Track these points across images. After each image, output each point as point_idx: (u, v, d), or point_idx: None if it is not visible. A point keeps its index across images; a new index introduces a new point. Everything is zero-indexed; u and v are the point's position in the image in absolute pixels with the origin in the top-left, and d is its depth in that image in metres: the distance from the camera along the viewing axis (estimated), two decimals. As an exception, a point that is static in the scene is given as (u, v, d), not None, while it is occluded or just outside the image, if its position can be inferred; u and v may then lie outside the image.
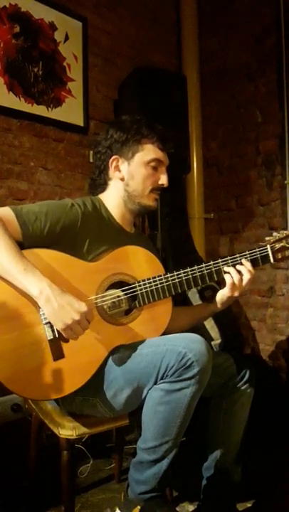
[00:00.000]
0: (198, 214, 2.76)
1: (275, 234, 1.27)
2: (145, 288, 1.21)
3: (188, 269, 1.23)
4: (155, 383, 1.10)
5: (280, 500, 1.52)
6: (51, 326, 1.10)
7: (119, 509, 1.26)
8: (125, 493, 1.25)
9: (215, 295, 1.36)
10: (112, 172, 1.35)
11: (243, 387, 1.32)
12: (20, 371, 1.09)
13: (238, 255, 1.25)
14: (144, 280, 1.22)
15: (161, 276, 1.22)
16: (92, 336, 1.14)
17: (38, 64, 2.15)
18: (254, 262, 1.25)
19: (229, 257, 1.25)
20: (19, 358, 1.09)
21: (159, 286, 1.22)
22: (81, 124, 2.30)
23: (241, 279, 1.24)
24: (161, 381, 1.09)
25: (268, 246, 1.25)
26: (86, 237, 1.24)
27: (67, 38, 2.27)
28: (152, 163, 1.33)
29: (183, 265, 1.25)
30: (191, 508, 1.50)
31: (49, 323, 1.10)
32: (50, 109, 2.18)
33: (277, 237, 1.25)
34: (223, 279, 1.25)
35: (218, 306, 1.33)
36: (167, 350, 1.09)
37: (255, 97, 2.51)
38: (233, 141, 2.66)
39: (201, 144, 2.78)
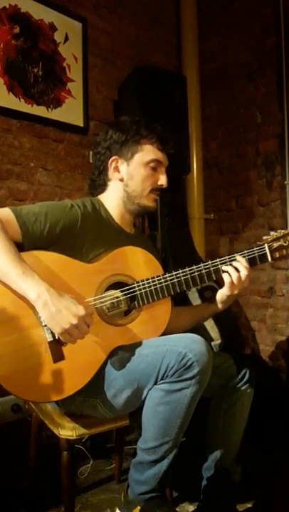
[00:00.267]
0: (198, 214, 2.77)
1: (272, 233, 1.27)
2: (144, 288, 1.21)
3: (187, 269, 1.24)
4: (155, 383, 1.10)
5: (280, 500, 1.52)
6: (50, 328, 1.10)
7: (119, 509, 1.27)
8: (125, 494, 1.25)
9: (215, 295, 1.36)
10: (111, 173, 1.35)
11: (243, 388, 1.32)
12: (20, 373, 1.09)
13: (236, 254, 1.25)
14: (142, 281, 1.22)
15: (160, 276, 1.23)
16: (91, 337, 1.14)
17: (38, 65, 2.15)
18: (252, 261, 1.25)
19: (227, 257, 1.25)
20: (19, 360, 1.09)
21: (158, 286, 1.22)
22: (81, 124, 2.30)
23: (239, 277, 1.24)
24: (162, 381, 1.09)
25: (266, 245, 1.25)
26: (85, 238, 1.24)
27: (67, 38, 2.27)
28: (151, 164, 1.33)
29: (183, 266, 1.25)
30: (191, 508, 1.50)
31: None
32: (50, 109, 2.18)
33: (275, 236, 1.26)
34: (222, 279, 1.25)
35: (219, 305, 1.33)
36: (167, 350, 1.09)
37: (255, 97, 2.51)
38: (233, 141, 2.66)
39: (201, 144, 2.78)
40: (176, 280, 1.23)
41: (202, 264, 1.24)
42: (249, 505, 1.51)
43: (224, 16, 2.69)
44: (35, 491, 1.54)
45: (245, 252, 1.25)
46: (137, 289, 1.21)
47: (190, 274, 1.23)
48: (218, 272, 1.25)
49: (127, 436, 1.84)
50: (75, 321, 1.05)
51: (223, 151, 2.74)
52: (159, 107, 2.14)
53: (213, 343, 2.10)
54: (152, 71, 2.36)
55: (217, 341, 2.11)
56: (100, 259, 1.23)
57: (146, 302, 1.22)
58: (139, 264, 1.26)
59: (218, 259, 1.25)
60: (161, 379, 1.09)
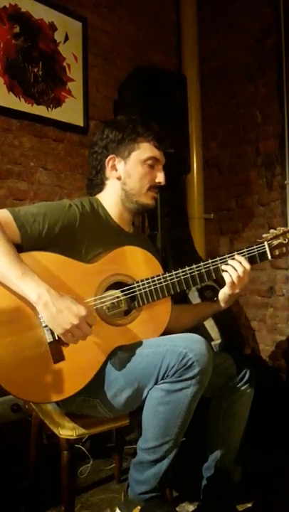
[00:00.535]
0: (198, 214, 2.76)
1: (272, 231, 1.27)
2: (144, 288, 1.21)
3: (187, 268, 1.24)
4: (156, 383, 1.10)
5: (280, 500, 1.52)
6: (51, 329, 1.10)
7: (119, 509, 1.27)
8: (125, 493, 1.25)
9: (215, 295, 1.36)
10: (108, 171, 1.35)
11: (243, 388, 1.32)
12: (20, 374, 1.09)
13: (235, 253, 1.25)
14: (142, 280, 1.22)
15: (159, 276, 1.23)
16: (91, 338, 1.13)
17: (38, 64, 2.15)
18: (252, 260, 1.25)
19: (227, 255, 1.25)
20: (19, 361, 1.09)
21: (157, 286, 1.22)
22: (81, 124, 2.30)
23: (239, 276, 1.23)
24: (162, 381, 1.09)
25: (266, 243, 1.25)
26: (84, 238, 1.24)
27: (67, 38, 2.27)
28: (149, 162, 1.33)
29: (183, 265, 1.25)
30: (191, 508, 1.50)
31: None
32: (50, 109, 2.18)
33: (274, 234, 1.25)
34: (222, 278, 1.25)
35: (222, 304, 1.34)
36: (168, 350, 1.09)
37: (255, 97, 2.51)
38: (233, 141, 2.66)
39: (201, 144, 2.78)
40: (176, 280, 1.23)
41: (202, 264, 1.24)
42: (249, 505, 1.51)
43: (224, 16, 2.69)
44: (35, 491, 1.54)
45: (245, 250, 1.25)
46: (136, 289, 1.21)
47: (190, 273, 1.23)
48: (217, 271, 1.25)
49: (127, 436, 1.84)
50: (76, 321, 1.05)
51: (223, 150, 2.74)
52: (159, 107, 2.14)
53: (213, 343, 2.10)
54: (152, 71, 2.36)
55: (217, 341, 2.11)
56: (99, 259, 1.23)
57: (146, 302, 1.22)
58: (138, 263, 1.26)
59: (217, 258, 1.25)
60: (162, 379, 1.09)
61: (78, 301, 1.09)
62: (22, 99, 2.07)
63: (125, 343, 1.20)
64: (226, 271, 1.24)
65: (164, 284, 1.22)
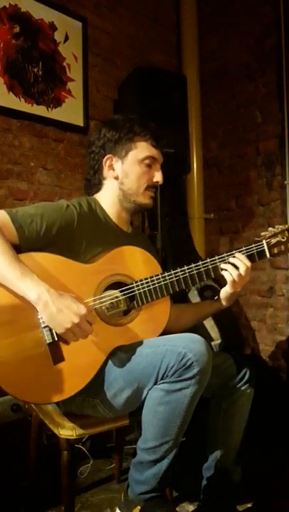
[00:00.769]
0: (198, 214, 2.77)
1: (270, 229, 1.26)
2: (143, 288, 1.21)
3: (186, 267, 1.23)
4: (155, 383, 1.10)
5: (280, 500, 1.52)
6: (50, 330, 1.10)
7: (119, 509, 1.27)
8: (125, 493, 1.25)
9: (215, 295, 1.36)
10: (106, 171, 1.35)
11: (243, 388, 1.32)
12: (20, 376, 1.09)
13: (234, 251, 1.25)
14: (141, 280, 1.22)
15: (158, 275, 1.22)
16: (91, 338, 1.13)
17: (38, 64, 2.15)
18: (251, 258, 1.25)
19: (225, 254, 1.25)
20: (19, 363, 1.09)
21: (156, 285, 1.22)
22: (81, 124, 2.30)
23: (239, 274, 1.23)
24: (161, 381, 1.09)
25: (264, 241, 1.25)
26: (82, 238, 1.24)
27: (67, 38, 2.27)
28: (146, 161, 1.32)
29: (182, 265, 1.25)
30: (191, 508, 1.50)
31: (48, 326, 1.10)
32: (50, 109, 2.18)
33: (272, 232, 1.25)
34: (222, 276, 1.25)
35: (223, 303, 1.33)
36: (167, 350, 1.09)
37: (255, 97, 2.51)
38: (233, 141, 2.66)
39: (201, 144, 2.78)
40: (174, 279, 1.23)
41: (200, 263, 1.24)
42: (249, 505, 1.51)
43: (224, 16, 2.69)
44: (35, 491, 1.54)
45: (244, 248, 1.25)
46: (135, 288, 1.21)
47: (188, 272, 1.23)
48: (216, 270, 1.24)
49: (127, 436, 1.84)
50: (76, 320, 1.05)
51: (223, 150, 2.74)
52: (159, 107, 2.14)
53: (213, 343, 2.10)
54: (152, 71, 2.36)
55: (217, 341, 2.11)
56: (98, 259, 1.23)
57: (145, 302, 1.22)
58: (137, 263, 1.26)
59: (216, 257, 1.25)
60: (161, 379, 1.09)
61: (77, 301, 1.09)
62: (22, 99, 2.07)
63: (125, 343, 1.20)
64: (227, 270, 1.24)
65: (162, 283, 1.22)
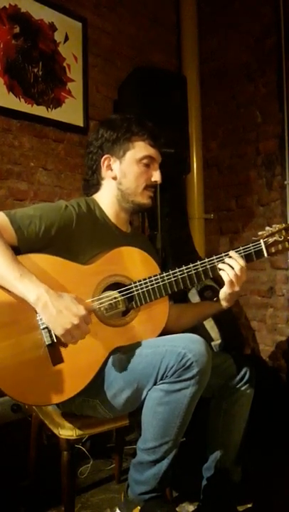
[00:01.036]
0: (198, 214, 2.77)
1: (267, 228, 1.26)
2: (141, 288, 1.21)
3: (184, 268, 1.23)
4: (155, 384, 1.10)
5: (280, 500, 1.52)
6: (49, 331, 1.10)
7: (119, 509, 1.27)
8: (125, 494, 1.25)
9: (215, 295, 1.36)
10: (104, 171, 1.35)
11: (243, 388, 1.32)
12: (19, 377, 1.09)
13: (230, 251, 1.25)
14: (140, 281, 1.22)
15: (156, 275, 1.22)
16: (90, 339, 1.13)
17: (38, 64, 2.15)
18: (248, 258, 1.24)
19: (223, 254, 1.25)
20: (18, 365, 1.09)
21: (155, 286, 1.22)
22: (81, 124, 2.30)
23: (235, 273, 1.22)
24: (161, 382, 1.09)
25: (262, 241, 1.24)
26: (81, 239, 1.24)
27: (67, 38, 2.27)
28: (144, 161, 1.32)
29: (181, 265, 1.24)
30: (191, 508, 1.50)
31: (47, 328, 1.10)
32: (50, 109, 2.18)
33: (270, 232, 1.25)
34: (221, 277, 1.25)
35: (224, 304, 1.32)
36: (167, 350, 1.09)
37: (255, 97, 2.51)
38: (233, 141, 2.66)
39: (201, 144, 2.78)
40: (173, 279, 1.23)
41: (198, 262, 1.24)
42: (249, 505, 1.51)
43: (224, 16, 2.69)
44: (35, 491, 1.54)
45: (241, 248, 1.25)
46: (134, 289, 1.21)
47: (187, 272, 1.23)
48: (214, 270, 1.24)
49: (127, 436, 1.84)
50: (76, 321, 1.05)
51: (223, 150, 2.74)
52: (159, 107, 2.14)
53: (213, 343, 2.10)
54: (152, 71, 2.36)
55: (217, 341, 2.11)
56: (96, 260, 1.23)
57: (144, 302, 1.22)
58: (135, 264, 1.26)
59: (214, 257, 1.25)
60: (161, 379, 1.09)
61: (77, 301, 1.09)
62: (22, 100, 2.07)
63: (124, 344, 1.20)
64: (223, 270, 1.24)
65: (161, 283, 1.22)
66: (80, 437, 1.25)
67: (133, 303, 1.22)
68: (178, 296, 1.37)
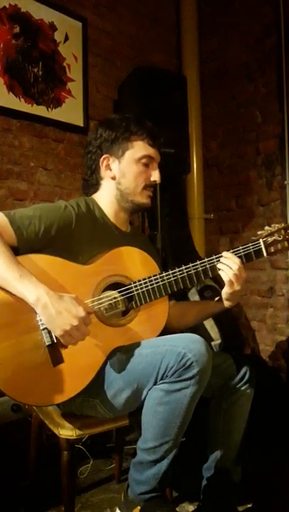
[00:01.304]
0: (198, 214, 2.77)
1: (267, 228, 1.26)
2: (141, 288, 1.21)
3: (183, 267, 1.23)
4: (155, 384, 1.10)
5: (280, 500, 1.52)
6: (49, 332, 1.10)
7: (119, 509, 1.27)
8: (125, 494, 1.25)
9: (215, 295, 1.36)
10: (103, 171, 1.35)
11: (243, 388, 1.32)
12: (19, 378, 1.08)
13: (231, 251, 1.25)
14: (139, 280, 1.22)
15: (156, 275, 1.22)
16: (90, 339, 1.13)
17: (38, 64, 2.15)
18: (248, 257, 1.24)
19: (223, 253, 1.25)
20: (18, 365, 1.09)
21: (154, 285, 1.22)
22: (81, 124, 2.30)
23: (234, 272, 1.21)
24: (161, 381, 1.09)
25: (261, 240, 1.24)
26: (80, 239, 1.23)
27: (67, 38, 2.27)
28: (143, 160, 1.32)
29: (181, 265, 1.24)
30: (191, 508, 1.50)
31: (46, 328, 1.10)
32: (50, 109, 2.18)
33: (269, 231, 1.25)
34: (220, 276, 1.25)
35: (226, 303, 1.31)
36: (167, 350, 1.09)
37: (255, 97, 2.51)
38: (233, 141, 2.66)
39: (201, 144, 2.78)
40: (172, 279, 1.23)
41: (198, 262, 1.24)
42: (249, 505, 1.50)
43: (224, 16, 2.69)
44: (35, 491, 1.54)
45: (240, 248, 1.24)
46: (134, 289, 1.21)
47: (186, 272, 1.23)
48: (214, 269, 1.24)
49: (127, 436, 1.84)
50: (75, 323, 1.05)
51: (223, 150, 2.74)
52: (159, 107, 2.14)
53: (213, 343, 2.10)
54: (152, 71, 2.36)
55: (217, 341, 2.11)
56: (96, 260, 1.23)
57: (143, 302, 1.22)
58: (135, 264, 1.26)
59: (213, 256, 1.25)
60: (161, 379, 1.09)
61: (77, 302, 1.09)
62: (22, 100, 2.07)
63: (124, 344, 1.19)
64: (222, 269, 1.23)
65: (160, 283, 1.22)
66: (80, 437, 1.25)
67: (133, 303, 1.22)
68: (178, 296, 1.37)
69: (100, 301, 1.19)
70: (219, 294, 1.32)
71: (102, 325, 1.19)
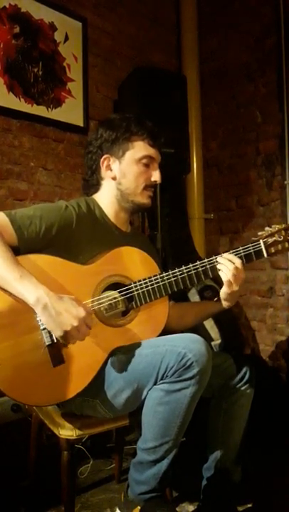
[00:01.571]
0: (198, 214, 2.77)
1: (267, 228, 1.26)
2: (141, 288, 1.21)
3: (184, 268, 1.23)
4: (155, 384, 1.10)
5: (280, 500, 1.52)
6: (49, 332, 1.10)
7: (119, 509, 1.27)
8: (125, 494, 1.25)
9: (214, 295, 1.36)
10: (103, 171, 1.35)
11: (243, 388, 1.32)
12: (20, 379, 1.08)
13: (231, 251, 1.25)
14: (139, 281, 1.22)
15: (156, 276, 1.22)
16: (90, 339, 1.13)
17: (38, 64, 2.15)
18: (248, 258, 1.24)
19: (223, 253, 1.25)
20: (18, 366, 1.09)
21: (154, 286, 1.22)
22: (81, 124, 2.30)
23: (233, 273, 1.21)
24: (161, 381, 1.09)
25: (261, 241, 1.24)
26: (81, 239, 1.23)
27: (67, 38, 2.27)
28: (144, 160, 1.32)
29: (181, 265, 1.24)
30: (191, 508, 1.50)
31: (46, 328, 1.09)
32: (50, 109, 2.18)
33: (269, 232, 1.25)
34: (220, 277, 1.25)
35: (225, 303, 1.31)
36: (167, 350, 1.09)
37: (255, 97, 2.51)
38: (233, 141, 2.66)
39: (201, 144, 2.78)
40: (173, 279, 1.23)
41: (198, 262, 1.24)
42: (249, 505, 1.51)
43: (224, 16, 2.69)
44: (35, 491, 1.54)
45: (241, 248, 1.24)
46: (134, 289, 1.21)
47: (186, 272, 1.23)
48: (214, 270, 1.24)
49: (127, 436, 1.84)
50: (75, 323, 1.04)
51: (223, 150, 2.74)
52: (159, 107, 2.14)
53: (213, 343, 2.10)
54: (152, 71, 2.36)
55: (217, 341, 2.11)
56: (96, 260, 1.23)
57: (143, 302, 1.22)
58: (135, 264, 1.26)
59: (214, 257, 1.25)
60: (161, 379, 1.09)
61: (77, 302, 1.09)
62: (22, 100, 2.07)
63: (124, 344, 1.19)
64: (221, 270, 1.23)
65: (161, 283, 1.22)
66: (80, 437, 1.25)
67: (133, 303, 1.22)
68: (178, 296, 1.37)
69: (99, 301, 1.19)
70: (219, 294, 1.32)
71: (102, 325, 1.19)
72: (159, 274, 1.23)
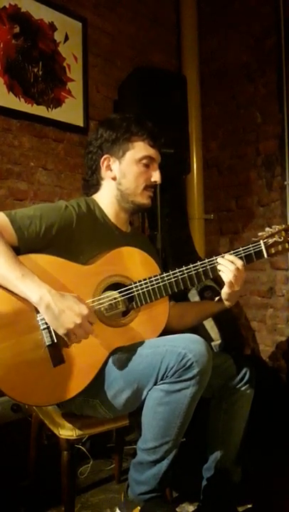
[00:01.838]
0: (198, 215, 2.77)
1: (267, 229, 1.26)
2: (142, 289, 1.21)
3: (184, 268, 1.23)
4: (155, 384, 1.10)
5: (280, 500, 1.52)
6: (49, 332, 1.10)
7: (119, 509, 1.27)
8: (125, 494, 1.25)
9: (214, 295, 1.36)
10: (103, 172, 1.35)
11: (243, 388, 1.32)
12: (20, 378, 1.08)
13: (231, 252, 1.25)
14: (140, 281, 1.22)
15: (157, 276, 1.22)
16: (91, 339, 1.13)
17: (38, 64, 2.15)
18: (248, 258, 1.24)
19: (224, 254, 1.25)
20: (18, 366, 1.09)
21: (155, 286, 1.22)
22: (81, 124, 2.30)
23: (234, 274, 1.21)
24: (161, 382, 1.09)
25: (261, 241, 1.24)
26: (81, 239, 1.24)
27: (67, 38, 2.27)
28: (144, 161, 1.32)
29: (181, 266, 1.24)
30: (191, 508, 1.50)
31: (47, 328, 1.10)
32: (50, 109, 2.18)
33: (269, 232, 1.25)
34: (220, 277, 1.25)
35: (226, 303, 1.32)
36: (167, 351, 1.09)
37: (255, 97, 2.51)
38: (233, 141, 2.66)
39: (201, 144, 2.78)
40: (173, 280, 1.23)
41: (198, 263, 1.24)
42: (249, 506, 1.51)
43: (224, 16, 2.69)
44: (35, 491, 1.54)
45: (241, 249, 1.25)
46: (134, 289, 1.21)
47: (187, 272, 1.23)
48: (214, 270, 1.24)
49: (127, 436, 1.84)
50: (79, 321, 1.05)
51: (223, 151, 2.74)
52: (159, 107, 2.14)
53: (213, 344, 2.10)
54: (152, 71, 2.36)
55: (217, 342, 2.11)
56: (96, 260, 1.23)
57: (144, 302, 1.22)
58: (136, 264, 1.26)
59: (214, 257, 1.25)
60: (161, 379, 1.09)
61: (79, 300, 1.09)
62: (22, 99, 2.07)
63: (124, 344, 1.20)
64: (222, 270, 1.23)
65: (161, 284, 1.22)
66: (80, 437, 1.25)
67: (133, 303, 1.22)
68: (178, 297, 1.37)
69: (100, 302, 1.19)
70: (219, 295, 1.32)
71: (102, 325, 1.19)
72: (160, 275, 1.23)
